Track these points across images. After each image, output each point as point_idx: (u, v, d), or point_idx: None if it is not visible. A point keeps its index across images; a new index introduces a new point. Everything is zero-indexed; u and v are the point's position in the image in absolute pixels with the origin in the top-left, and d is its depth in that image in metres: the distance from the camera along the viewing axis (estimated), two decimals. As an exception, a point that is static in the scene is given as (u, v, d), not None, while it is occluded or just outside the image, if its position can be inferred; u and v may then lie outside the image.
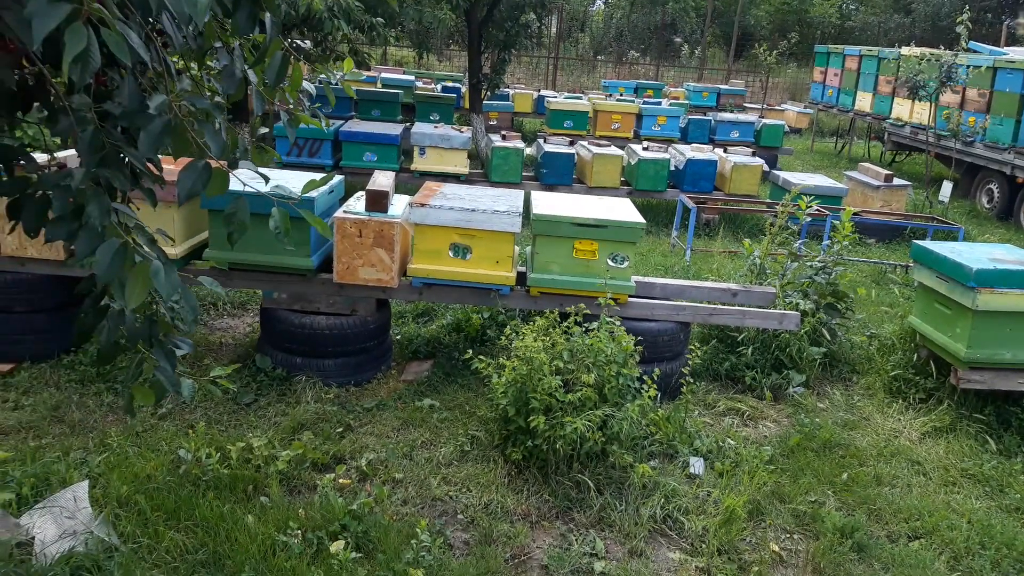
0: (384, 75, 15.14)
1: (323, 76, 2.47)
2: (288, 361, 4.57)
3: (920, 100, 11.39)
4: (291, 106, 2.63)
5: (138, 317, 2.24)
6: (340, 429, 4.13)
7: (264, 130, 2.58)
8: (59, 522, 3.05)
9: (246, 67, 2.25)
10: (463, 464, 3.89)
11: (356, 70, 2.55)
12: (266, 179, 2.18)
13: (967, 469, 4.32)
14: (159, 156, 1.95)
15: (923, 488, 4.12)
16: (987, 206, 11.05)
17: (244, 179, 2.13)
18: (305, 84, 2.61)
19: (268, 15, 2.11)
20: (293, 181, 4.56)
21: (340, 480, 3.69)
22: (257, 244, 4.39)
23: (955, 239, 8.09)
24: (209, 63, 2.52)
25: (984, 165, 10.96)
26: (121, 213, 2.03)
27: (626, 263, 4.57)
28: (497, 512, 3.55)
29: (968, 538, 3.69)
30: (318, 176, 4.76)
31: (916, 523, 3.80)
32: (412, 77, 15.27)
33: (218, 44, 2.27)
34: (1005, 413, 4.73)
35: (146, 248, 2.07)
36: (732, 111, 15.49)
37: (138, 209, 2.25)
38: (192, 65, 2.31)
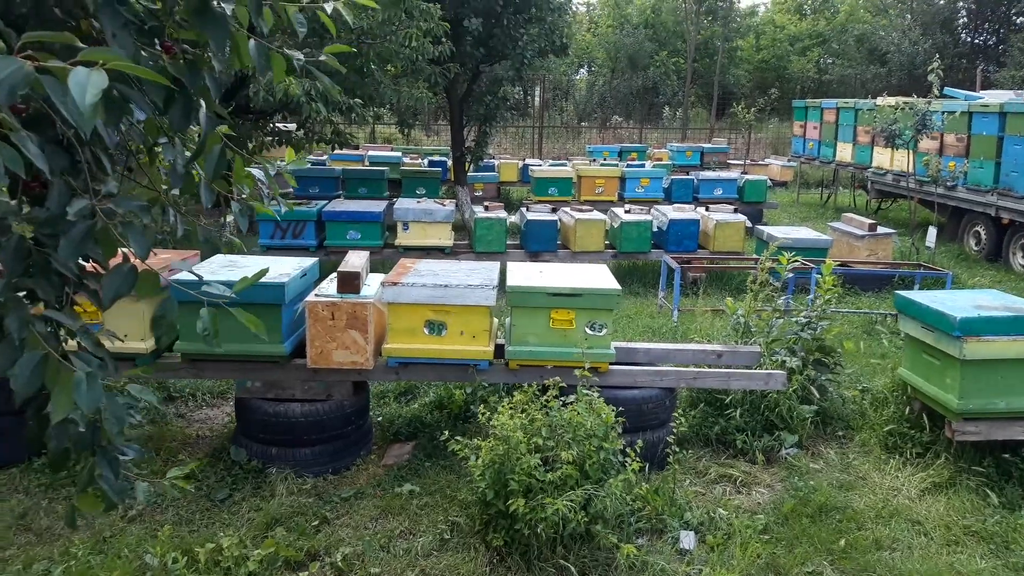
0: (371, 152, 15.37)
1: (266, 166, 2.44)
2: (264, 452, 4.44)
3: (898, 148, 11.50)
4: (245, 195, 2.60)
5: (73, 423, 2.16)
6: (316, 522, 3.98)
7: (229, 219, 2.54)
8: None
9: (192, 162, 2.22)
10: (443, 553, 3.74)
11: (298, 158, 2.52)
12: (200, 278, 2.12)
13: (969, 526, 4.15)
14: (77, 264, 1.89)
15: (924, 550, 3.95)
16: (975, 248, 11.04)
17: (179, 276, 2.07)
18: (255, 172, 2.58)
19: (203, 109, 2.09)
20: (276, 265, 4.53)
21: (314, 578, 3.53)
22: (227, 333, 4.31)
23: (943, 285, 8.04)
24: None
25: (968, 208, 11.00)
26: (55, 321, 1.97)
27: (604, 330, 4.49)
28: (478, 604, 3.38)
29: (976, 603, 3.52)
30: (299, 261, 4.72)
31: (920, 589, 3.63)
32: (399, 153, 15.50)
33: (163, 140, 2.25)
34: (1005, 464, 4.59)
35: (91, 352, 2.01)
36: (715, 169, 15.65)
37: (84, 311, 2.18)
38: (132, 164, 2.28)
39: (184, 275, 3.22)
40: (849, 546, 3.92)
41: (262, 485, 4.31)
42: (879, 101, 13.11)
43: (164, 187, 2.41)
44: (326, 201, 9.14)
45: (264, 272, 2.13)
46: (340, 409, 4.50)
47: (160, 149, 2.26)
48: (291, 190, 10.45)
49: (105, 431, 2.28)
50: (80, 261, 2.00)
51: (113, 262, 1.98)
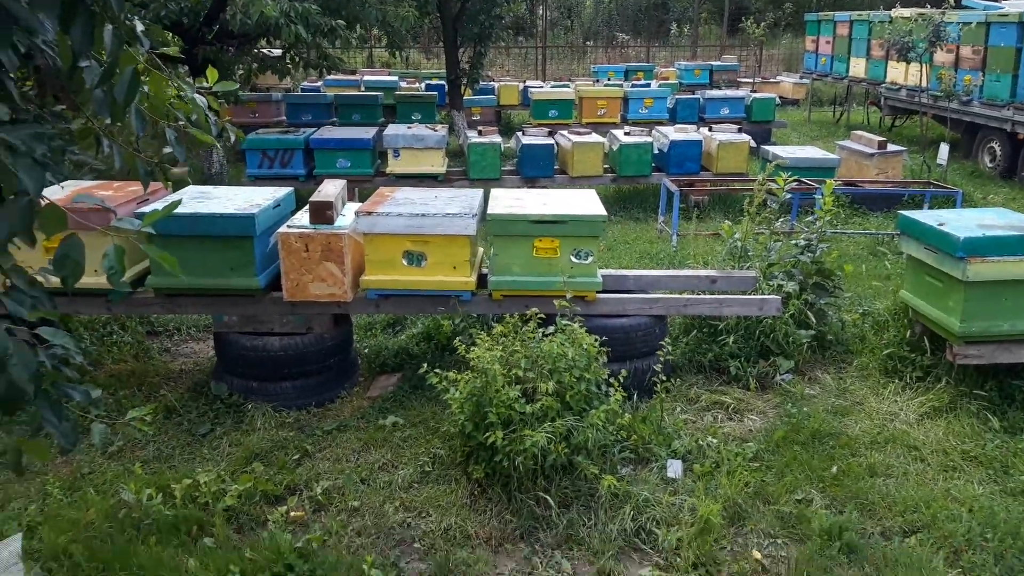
0: (367, 78, 14.95)
1: (190, 92, 2.23)
2: (244, 386, 4.37)
3: (911, 62, 11.01)
4: (180, 123, 2.41)
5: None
6: (296, 456, 3.92)
7: (167, 150, 2.37)
8: (-19, 583, 2.85)
9: (101, 87, 2.03)
10: (423, 486, 3.67)
11: (226, 81, 2.31)
12: (112, 210, 1.95)
13: (968, 451, 4.05)
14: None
15: (920, 476, 3.85)
16: (990, 165, 10.67)
17: (84, 210, 1.90)
18: (197, 98, 2.38)
19: (109, 27, 1.89)
20: (236, 199, 4.36)
21: (292, 513, 3.48)
22: (201, 268, 4.18)
23: (954, 204, 7.76)
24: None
25: (984, 124, 10.58)
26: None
27: (590, 258, 4.32)
28: (457, 537, 3.32)
29: (969, 529, 3.42)
30: (270, 191, 4.53)
31: (912, 516, 3.54)
32: (396, 78, 15.05)
33: (85, 64, 2.05)
34: (1008, 387, 4.45)
35: (24, 292, 1.88)
36: (723, 88, 15.15)
37: (19, 247, 2.02)
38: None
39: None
40: (841, 473, 3.82)
41: (243, 419, 4.25)
42: (894, 13, 12.51)
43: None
44: (315, 128, 8.87)
45: (176, 204, 1.97)
46: (320, 342, 4.39)
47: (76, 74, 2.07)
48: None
49: (50, 373, 2.17)
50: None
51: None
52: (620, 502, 3.47)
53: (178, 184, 3.07)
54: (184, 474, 3.66)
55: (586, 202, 4.45)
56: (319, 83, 14.31)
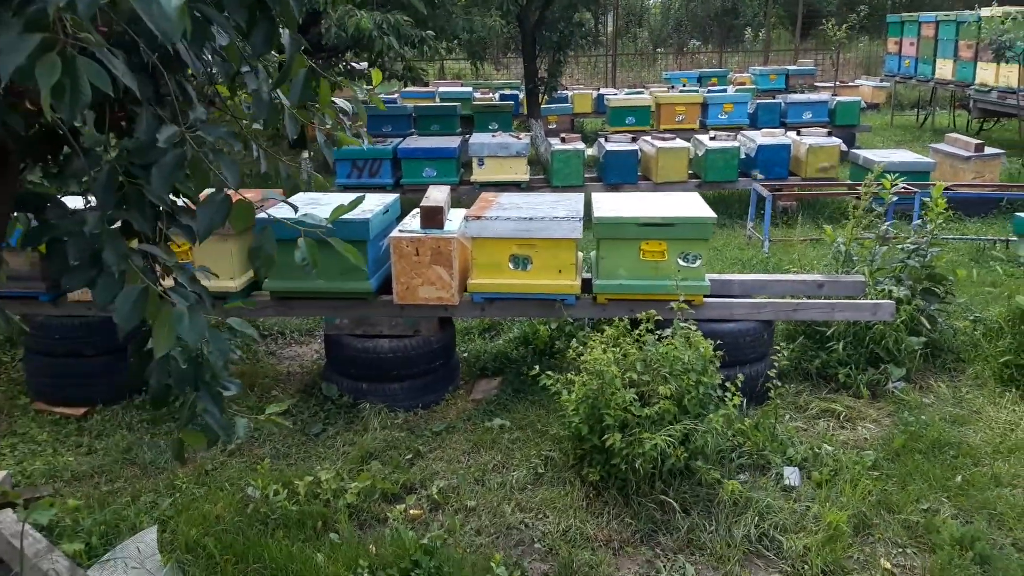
0: (442, 89, 15.15)
1: (355, 92, 2.31)
2: (354, 387, 4.46)
3: (1008, 62, 10.60)
4: (327, 126, 2.49)
5: (174, 359, 2.13)
6: (409, 456, 3.99)
7: (305, 155, 2.48)
8: (128, 573, 2.98)
9: (275, 90, 2.11)
10: (538, 488, 3.69)
11: (387, 82, 2.39)
12: (295, 208, 2.03)
13: (1099, 463, 3.86)
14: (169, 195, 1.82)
15: (1051, 488, 3.70)
16: (1093, 168, 10.18)
17: (275, 209, 1.99)
18: (338, 102, 2.47)
19: (287, 32, 1.97)
20: (326, 206, 4.46)
21: (411, 511, 3.54)
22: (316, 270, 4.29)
23: (1061, 207, 7.43)
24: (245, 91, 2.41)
25: (1087, 124, 10.12)
26: (151, 255, 1.92)
27: (698, 261, 4.28)
28: (576, 539, 3.33)
29: (1109, 542, 3.27)
30: (381, 196, 4.65)
31: (1046, 528, 3.40)
32: (470, 88, 15.22)
33: (246, 69, 2.15)
34: None
35: (187, 288, 1.97)
36: (803, 92, 14.85)
37: (179, 247, 2.13)
38: (220, 92, 2.19)
39: (277, 209, 3.17)
40: (966, 483, 3.69)
41: (354, 420, 4.34)
42: (985, 11, 12.08)
43: (244, 121, 2.32)
44: (400, 139, 9.03)
45: (361, 199, 2.04)
46: (427, 345, 4.47)
47: (237, 79, 2.16)
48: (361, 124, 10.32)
49: (210, 365, 2.26)
50: (172, 197, 1.94)
51: (203, 194, 1.91)
52: (741, 508, 3.42)
53: (319, 190, 3.17)
54: (305, 471, 3.76)
55: (692, 204, 4.42)
56: (396, 95, 14.57)
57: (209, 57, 2.05)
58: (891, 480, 3.72)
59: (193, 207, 2.14)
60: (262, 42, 1.88)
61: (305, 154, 7.71)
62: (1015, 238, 4.74)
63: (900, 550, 3.30)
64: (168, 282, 1.94)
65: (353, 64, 9.02)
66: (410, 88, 14.18)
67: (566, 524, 3.41)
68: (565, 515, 3.47)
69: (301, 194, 4.74)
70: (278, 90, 2.16)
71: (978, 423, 4.27)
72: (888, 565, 3.20)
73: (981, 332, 5.11)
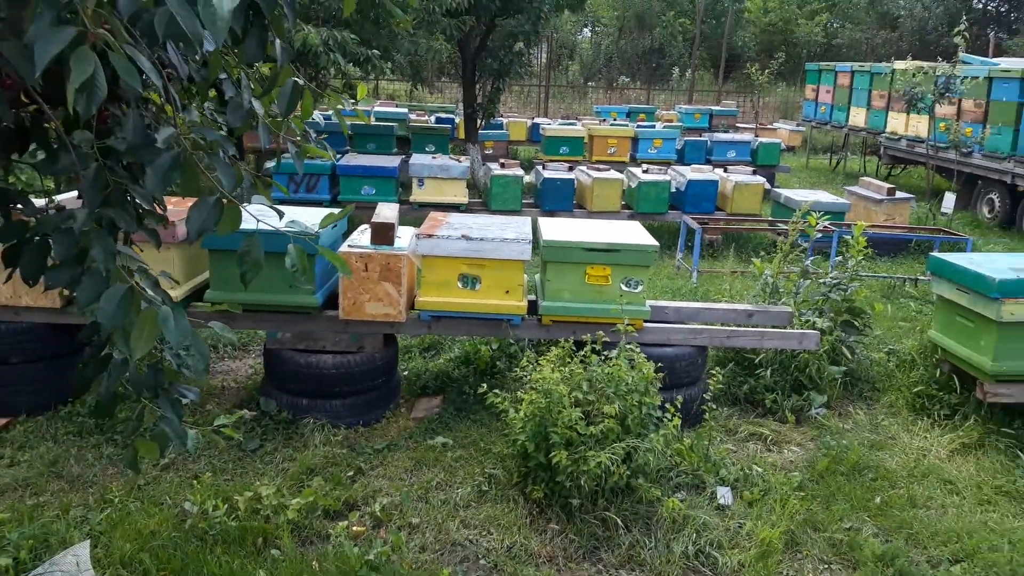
0: (377, 108, 15.13)
1: (337, 106, 2.35)
2: (294, 403, 4.41)
3: (919, 113, 11.36)
4: (298, 138, 2.51)
5: (139, 365, 2.11)
6: (351, 473, 3.97)
7: (270, 164, 2.49)
8: (61, 586, 2.87)
9: (253, 98, 2.13)
10: (482, 505, 3.73)
11: (368, 97, 2.44)
12: (281, 214, 2.05)
13: (1000, 486, 4.17)
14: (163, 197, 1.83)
15: (959, 509, 3.96)
16: (988, 216, 10.98)
17: (256, 215, 2.00)
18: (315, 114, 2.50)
19: (279, 42, 2.00)
20: (301, 216, 4.44)
21: (354, 528, 3.52)
22: (259, 283, 4.24)
23: (963, 250, 7.99)
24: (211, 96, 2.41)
25: (983, 175, 10.91)
26: (124, 256, 1.90)
27: (640, 287, 4.44)
28: (521, 555, 3.38)
29: (1011, 560, 3.53)
30: (321, 211, 4.64)
31: (956, 546, 3.65)
32: (405, 110, 15.26)
33: (223, 75, 2.16)
34: (1035, 427, 4.59)
35: (150, 292, 1.95)
36: (726, 131, 15.48)
37: (140, 251, 2.13)
38: (194, 98, 2.19)
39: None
40: (885, 504, 3.92)
41: (293, 436, 4.29)
42: (898, 64, 12.93)
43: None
44: (338, 156, 8.99)
45: (350, 210, 2.06)
46: (371, 361, 4.46)
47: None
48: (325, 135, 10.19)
49: (171, 371, 2.24)
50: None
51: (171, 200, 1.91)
52: (679, 525, 3.55)
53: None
54: (244, 487, 3.69)
55: (636, 233, 4.59)
56: (330, 112, 14.47)
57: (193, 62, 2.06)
58: (816, 500, 3.92)
59: (160, 210, 2.13)
60: (255, 49, 1.90)
61: (269, 163, 7.59)
62: (926, 277, 5.08)
63: (826, 566, 3.48)
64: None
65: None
66: (344, 107, 14.13)
67: (510, 541, 3.46)
68: (509, 532, 3.52)
69: (250, 206, 4.69)
70: (253, 99, 2.18)
71: (894, 448, 4.54)
72: (816, 580, 3.37)
73: (895, 363, 5.44)
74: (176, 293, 4.33)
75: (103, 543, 3.29)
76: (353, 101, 2.45)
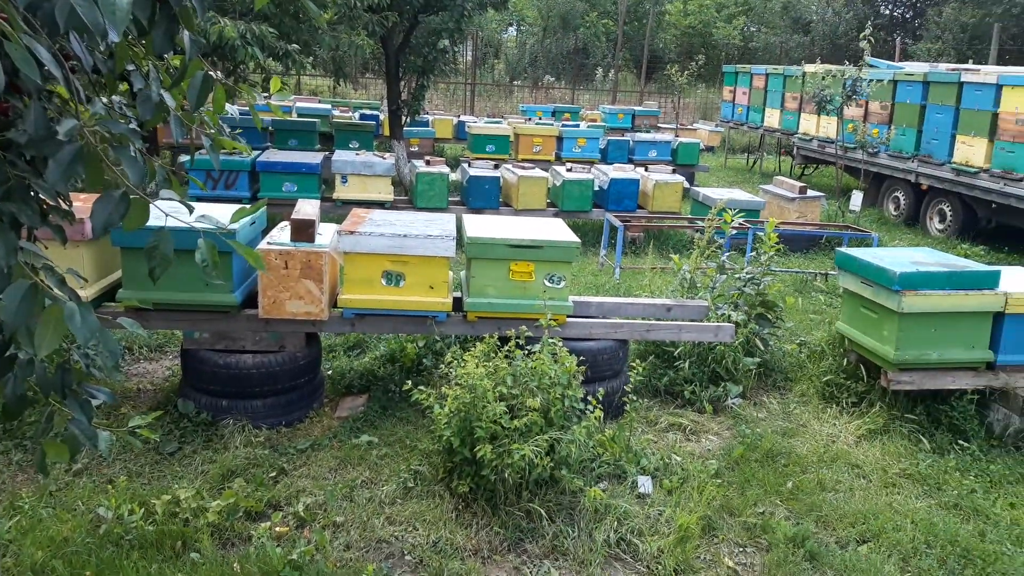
0: (299, 104, 14.87)
1: (251, 99, 2.32)
2: (213, 404, 4.31)
3: (828, 114, 11.85)
4: (212, 131, 2.47)
5: (47, 366, 2.04)
6: (273, 473, 3.91)
7: (184, 158, 2.45)
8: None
9: (163, 91, 2.09)
10: (407, 501, 3.73)
11: (283, 90, 2.41)
12: (190, 209, 2.01)
13: (904, 469, 4.41)
14: (68, 191, 1.78)
15: (865, 491, 4.17)
16: (894, 213, 11.55)
17: (166, 210, 1.96)
18: (228, 107, 2.46)
19: (187, 33, 1.96)
20: (216, 212, 4.34)
21: (276, 528, 3.47)
22: (175, 282, 4.14)
23: (869, 246, 8.39)
24: (122, 89, 2.35)
25: (889, 175, 11.47)
26: (27, 252, 1.84)
27: (563, 283, 4.51)
28: (446, 549, 3.40)
29: (914, 538, 3.74)
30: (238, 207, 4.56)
31: (863, 527, 3.84)
32: (328, 106, 15.04)
33: (131, 67, 2.11)
34: (935, 412, 4.86)
35: (56, 290, 1.89)
36: (648, 131, 15.82)
37: (46, 248, 2.05)
38: (102, 90, 2.13)
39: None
40: (796, 488, 4.10)
41: (213, 438, 4.19)
42: (809, 68, 13.46)
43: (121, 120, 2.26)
44: (258, 152, 8.80)
45: (262, 205, 2.04)
46: (293, 361, 4.40)
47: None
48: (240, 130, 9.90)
49: (79, 371, 2.18)
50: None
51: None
52: (601, 515, 3.63)
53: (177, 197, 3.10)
54: (161, 491, 3.60)
55: (559, 229, 4.66)
56: (248, 107, 14.13)
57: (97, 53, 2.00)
58: (732, 486, 4.07)
59: (65, 206, 2.07)
60: (162, 40, 1.87)
61: (183, 157, 7.35)
62: (835, 271, 5.33)
63: (741, 549, 3.62)
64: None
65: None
66: (265, 102, 13.83)
67: (436, 535, 3.47)
68: (435, 527, 3.53)
69: (161, 203, 4.56)
70: (164, 92, 2.13)
71: (805, 435, 4.75)
72: (731, 563, 3.50)
73: (806, 354, 5.68)
74: (87, 292, 4.18)
75: (12, 551, 3.16)
76: (267, 95, 2.42)
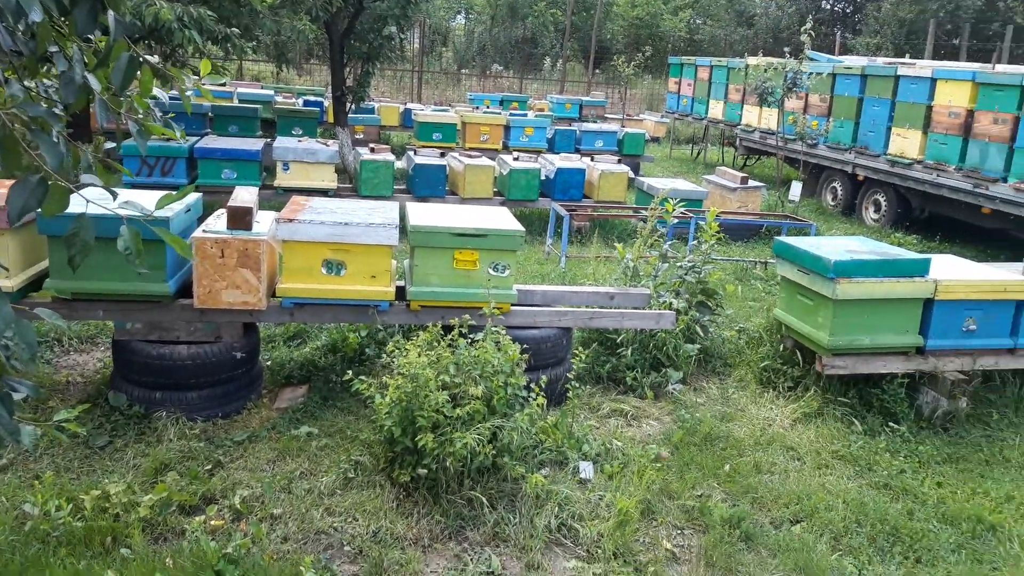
0: (241, 90, 14.52)
1: (179, 84, 2.24)
2: (146, 396, 4.20)
3: (769, 106, 12.07)
4: (140, 116, 2.38)
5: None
6: (209, 466, 3.82)
7: (110, 145, 2.37)
8: None
9: (87, 73, 2.00)
10: (347, 492, 3.69)
11: (215, 74, 2.35)
12: (114, 195, 1.94)
13: (837, 451, 4.53)
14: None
15: (799, 473, 4.28)
16: (832, 203, 11.84)
17: (90, 196, 1.88)
18: (157, 92, 2.38)
19: (112, 13, 1.89)
20: (145, 199, 4.21)
21: (211, 522, 3.40)
22: (106, 270, 4.01)
23: (807, 235, 8.59)
24: (45, 72, 2.25)
25: (828, 166, 11.75)
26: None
27: (507, 272, 4.51)
28: (387, 539, 3.37)
29: (845, 517, 3.86)
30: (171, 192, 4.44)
31: (796, 507, 3.94)
32: (271, 92, 14.73)
33: (54, 48, 2.02)
34: (867, 395, 5.01)
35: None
36: (595, 122, 15.89)
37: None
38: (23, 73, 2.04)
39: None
40: (733, 471, 4.18)
41: (146, 431, 4.08)
42: (751, 60, 13.68)
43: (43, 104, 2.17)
44: (197, 138, 8.58)
45: (191, 190, 1.98)
46: (229, 351, 4.31)
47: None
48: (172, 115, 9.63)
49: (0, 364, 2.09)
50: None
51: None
52: (542, 501, 3.64)
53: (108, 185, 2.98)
54: (91, 485, 3.49)
55: (503, 218, 4.65)
56: (189, 92, 13.75)
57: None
58: (671, 470, 4.13)
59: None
60: (86, 20, 1.80)
61: (109, 144, 7.08)
62: (774, 260, 5.44)
63: (679, 531, 3.68)
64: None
65: (144, 57, 8.43)
66: (197, 86, 13.48)
67: (376, 526, 3.45)
68: (375, 517, 3.50)
69: (91, 189, 4.41)
70: (88, 74, 2.05)
71: (742, 419, 4.84)
72: (669, 545, 3.55)
73: (745, 340, 5.80)
74: (9, 283, 4.02)
75: (-73, 554, 3.03)
76: (197, 78, 2.34)
